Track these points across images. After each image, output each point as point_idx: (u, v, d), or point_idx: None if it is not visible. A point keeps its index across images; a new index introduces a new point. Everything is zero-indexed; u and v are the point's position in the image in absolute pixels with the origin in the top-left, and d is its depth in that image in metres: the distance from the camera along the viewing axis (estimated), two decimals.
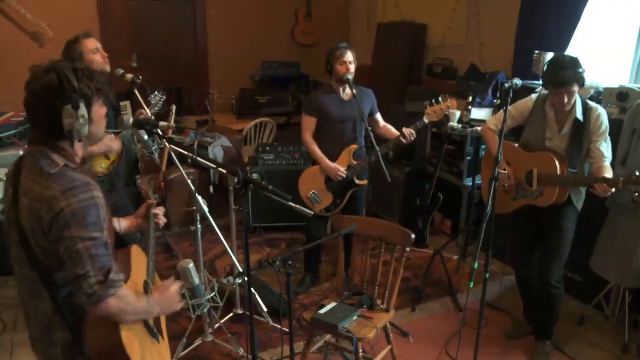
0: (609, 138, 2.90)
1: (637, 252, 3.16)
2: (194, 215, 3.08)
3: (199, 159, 2.35)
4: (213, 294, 2.61)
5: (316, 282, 4.06)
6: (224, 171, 2.16)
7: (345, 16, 7.22)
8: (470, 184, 4.32)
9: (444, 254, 4.09)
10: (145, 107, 3.36)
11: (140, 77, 3.34)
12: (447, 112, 3.60)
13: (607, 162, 2.86)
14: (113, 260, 1.61)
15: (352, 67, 3.55)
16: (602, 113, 2.89)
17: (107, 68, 3.14)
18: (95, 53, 3.06)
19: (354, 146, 3.66)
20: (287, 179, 4.27)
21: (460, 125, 4.37)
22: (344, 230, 2.82)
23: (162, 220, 2.23)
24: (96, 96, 1.65)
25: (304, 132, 3.72)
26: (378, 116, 3.82)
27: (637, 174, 2.57)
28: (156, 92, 3.46)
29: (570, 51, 4.11)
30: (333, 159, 3.65)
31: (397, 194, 4.91)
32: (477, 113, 4.48)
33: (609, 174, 2.77)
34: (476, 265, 2.49)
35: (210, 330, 3.31)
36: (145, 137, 2.61)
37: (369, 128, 3.47)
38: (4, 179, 1.77)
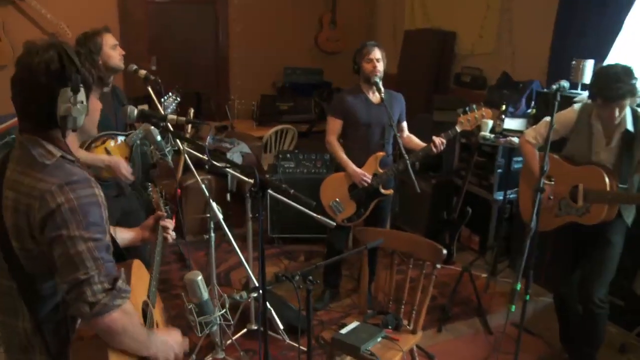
0: None
1: None
2: (208, 223, 2.89)
3: (213, 161, 2.16)
4: (224, 310, 2.40)
5: (336, 297, 3.86)
6: (239, 173, 1.97)
7: (370, 24, 7.06)
8: (501, 197, 4.11)
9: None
10: (160, 109, 3.21)
11: (160, 81, 3.19)
12: (479, 122, 3.41)
13: None
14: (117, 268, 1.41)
15: (380, 66, 3.37)
16: None
17: (122, 66, 3.02)
18: (114, 49, 2.97)
19: (381, 153, 3.46)
20: (309, 188, 4.06)
21: (493, 136, 4.16)
22: (370, 244, 2.59)
23: (172, 236, 2.01)
24: (96, 85, 1.48)
25: (329, 134, 3.53)
26: (404, 125, 3.63)
27: None
28: (170, 93, 3.28)
29: (611, 59, 3.87)
30: (358, 166, 3.44)
31: (422, 207, 4.70)
32: (510, 123, 4.28)
33: None
34: (519, 286, 2.28)
35: (221, 347, 3.10)
36: (158, 137, 2.45)
37: (398, 135, 3.28)
38: None
